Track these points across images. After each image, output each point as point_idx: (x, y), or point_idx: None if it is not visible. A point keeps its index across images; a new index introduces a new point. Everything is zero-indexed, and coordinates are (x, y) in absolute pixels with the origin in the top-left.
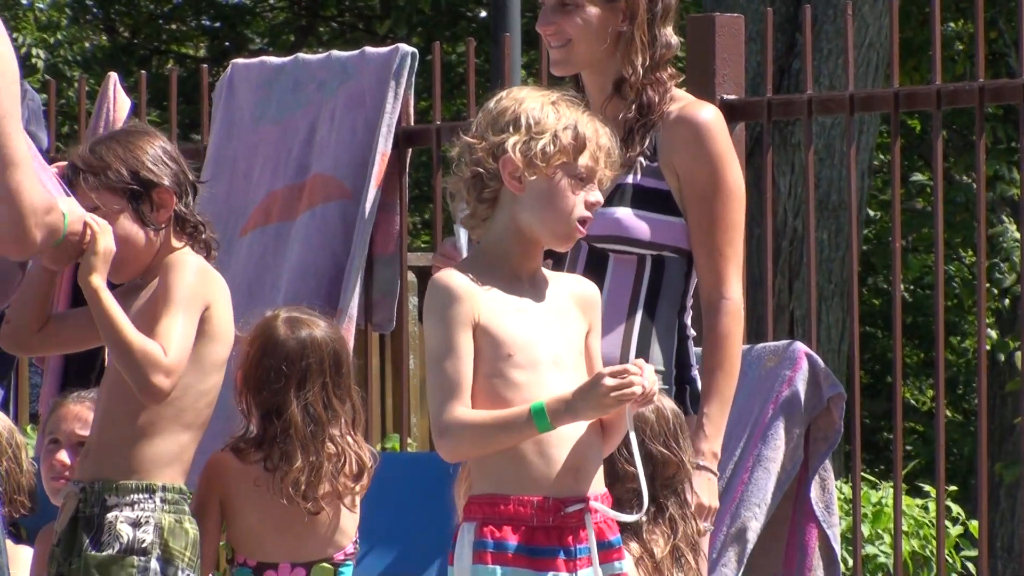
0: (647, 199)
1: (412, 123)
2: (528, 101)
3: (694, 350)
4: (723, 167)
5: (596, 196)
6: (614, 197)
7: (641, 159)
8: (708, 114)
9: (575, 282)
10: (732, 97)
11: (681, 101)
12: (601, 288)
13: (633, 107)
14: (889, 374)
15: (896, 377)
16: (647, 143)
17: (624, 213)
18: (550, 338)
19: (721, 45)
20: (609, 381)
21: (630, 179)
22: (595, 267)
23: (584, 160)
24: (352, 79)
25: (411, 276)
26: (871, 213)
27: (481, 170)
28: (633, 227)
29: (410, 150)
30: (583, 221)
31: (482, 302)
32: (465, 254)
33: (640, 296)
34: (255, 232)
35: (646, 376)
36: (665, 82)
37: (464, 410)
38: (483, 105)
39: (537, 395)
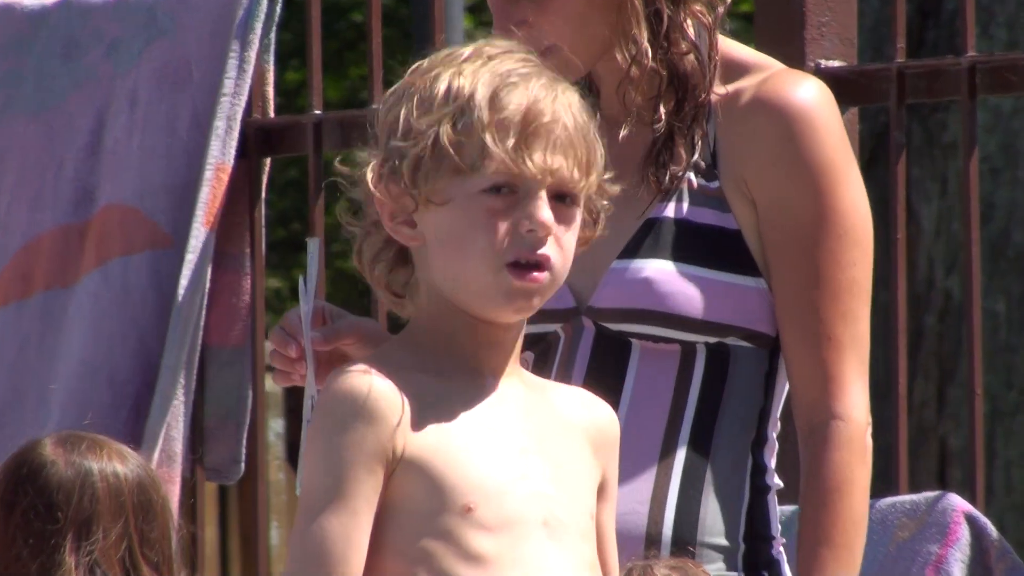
0: (700, 244)
1: (272, 113)
2: (431, 74)
3: (778, 510)
4: (835, 187)
5: (541, 214)
6: (642, 242)
7: (690, 175)
8: (807, 93)
9: (583, 402)
10: (835, 64)
11: (758, 72)
12: (618, 400)
13: (655, 87)
14: None
15: None
16: (698, 146)
17: (659, 269)
18: (541, 483)
19: None
20: None
21: (669, 210)
22: (608, 364)
23: (490, 163)
24: (166, 36)
25: (273, 384)
26: None
27: (369, 226)
28: (674, 294)
29: (268, 161)
30: (524, 266)
31: (414, 419)
32: (307, 330)
33: (685, 414)
34: (6, 311)
35: None
36: (696, 29)
37: None
38: (387, 92)
39: None
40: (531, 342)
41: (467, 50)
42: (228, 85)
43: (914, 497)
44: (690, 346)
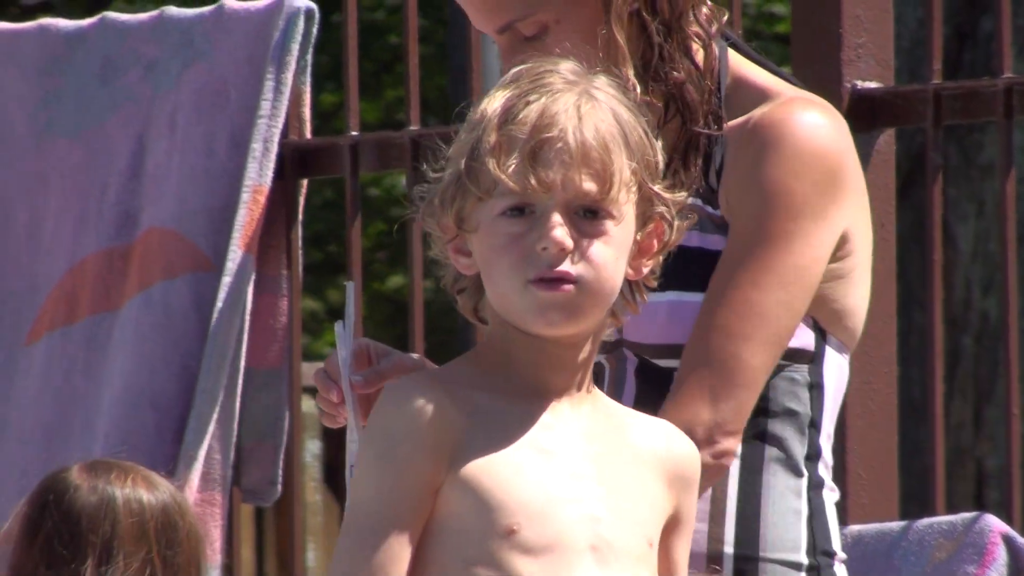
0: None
1: (309, 134)
2: (480, 99)
3: (836, 524)
4: (777, 214)
5: (554, 232)
6: (673, 275)
7: (699, 202)
8: (798, 120)
9: (663, 434)
10: (872, 85)
11: (772, 99)
12: None
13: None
14: None
15: None
16: (696, 174)
17: (683, 302)
18: (593, 506)
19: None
20: None
21: (686, 239)
22: (652, 393)
23: (501, 186)
24: (204, 59)
25: (309, 404)
26: None
27: (446, 256)
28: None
29: (304, 182)
30: (546, 281)
31: (467, 432)
32: (345, 376)
33: None
34: (52, 336)
35: None
36: (693, 44)
37: None
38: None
39: None
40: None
41: (514, 71)
42: (265, 107)
43: (951, 518)
44: None
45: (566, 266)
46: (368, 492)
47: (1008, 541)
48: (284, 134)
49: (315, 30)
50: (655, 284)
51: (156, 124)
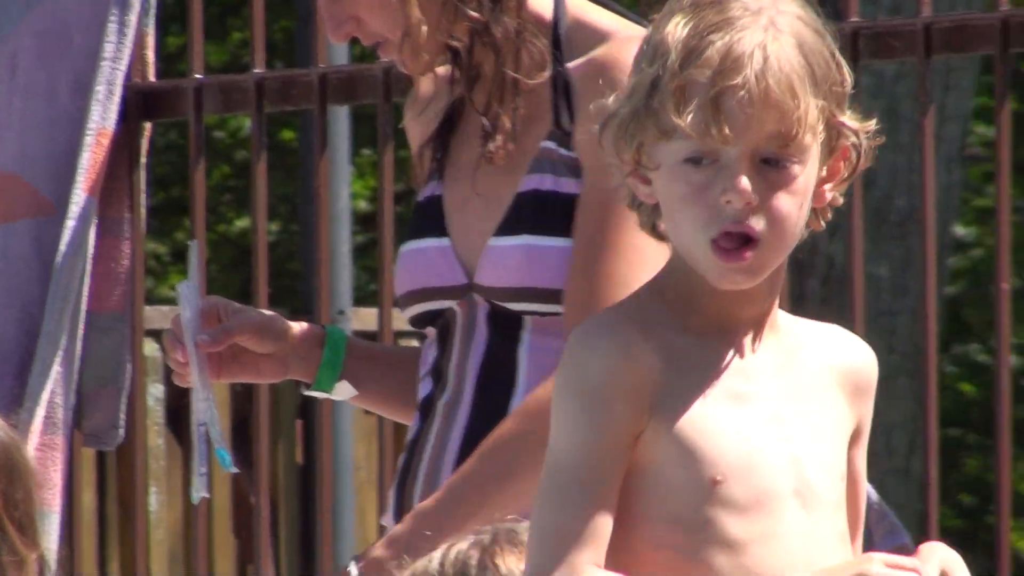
0: (567, 215)
1: (153, 77)
2: (657, 22)
3: None
4: None
5: (740, 183)
6: (514, 217)
7: (552, 145)
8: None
9: (840, 344)
10: None
11: (613, 39)
12: (515, 373)
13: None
14: (991, 510)
15: (1002, 513)
16: (505, 118)
17: (530, 245)
18: (794, 445)
19: None
20: (880, 571)
21: (539, 183)
22: (504, 338)
23: (679, 132)
24: (45, 1)
25: (152, 348)
26: (962, 231)
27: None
28: (546, 269)
29: (148, 125)
30: (731, 243)
31: (664, 375)
32: (189, 335)
33: None
34: None
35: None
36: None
37: (596, 573)
38: None
39: (769, 566)
40: (431, 318)
41: None
42: (108, 49)
43: None
44: None
45: (751, 220)
46: (571, 444)
47: None
48: (128, 77)
49: None
50: (841, 202)
51: None
